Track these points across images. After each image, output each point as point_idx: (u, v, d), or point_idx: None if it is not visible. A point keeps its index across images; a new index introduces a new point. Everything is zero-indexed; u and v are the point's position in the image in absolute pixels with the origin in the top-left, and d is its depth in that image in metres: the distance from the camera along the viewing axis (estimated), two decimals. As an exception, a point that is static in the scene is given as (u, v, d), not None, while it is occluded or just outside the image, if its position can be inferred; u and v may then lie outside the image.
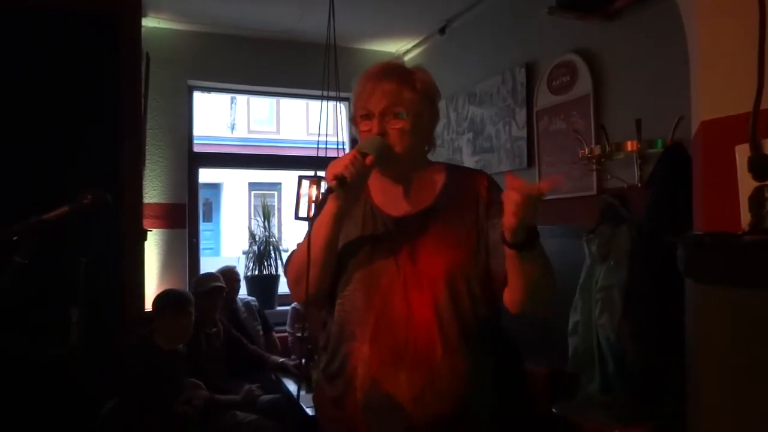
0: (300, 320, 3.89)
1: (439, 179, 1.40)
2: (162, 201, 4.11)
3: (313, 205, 3.27)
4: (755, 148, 0.80)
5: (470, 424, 1.29)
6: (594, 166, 2.75)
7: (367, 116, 1.32)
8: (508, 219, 1.12)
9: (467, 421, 1.28)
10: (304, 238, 1.32)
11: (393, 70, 1.36)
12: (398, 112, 1.30)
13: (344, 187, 1.21)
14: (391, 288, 1.28)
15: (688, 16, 0.98)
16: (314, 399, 1.51)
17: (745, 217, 0.81)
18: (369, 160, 1.25)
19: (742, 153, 0.82)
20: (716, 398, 0.86)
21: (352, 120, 1.40)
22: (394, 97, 1.30)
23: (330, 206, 1.25)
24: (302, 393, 3.05)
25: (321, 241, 1.27)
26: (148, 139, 3.93)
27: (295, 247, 1.42)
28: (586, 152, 2.69)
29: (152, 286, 3.84)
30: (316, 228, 1.29)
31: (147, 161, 3.94)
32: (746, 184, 0.82)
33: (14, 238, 1.20)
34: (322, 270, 1.29)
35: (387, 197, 1.37)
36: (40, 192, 2.44)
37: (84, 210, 1.29)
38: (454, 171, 1.44)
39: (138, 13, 3.11)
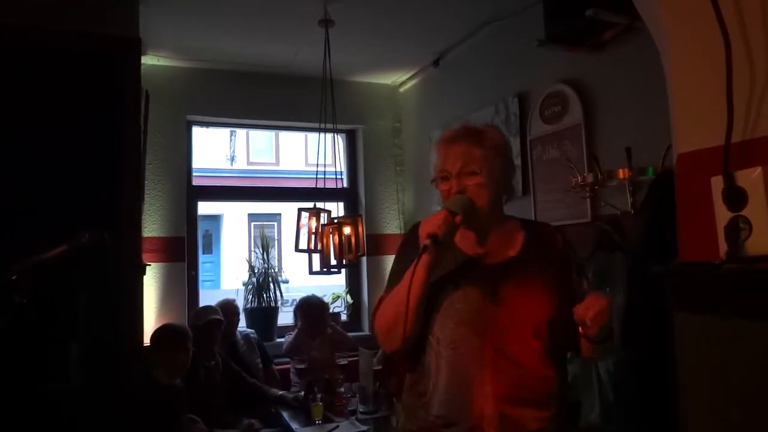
0: (296, 352, 3.87)
1: (519, 231, 1.55)
2: (161, 235, 4.13)
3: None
4: (728, 180, 0.83)
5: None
6: (587, 194, 2.79)
7: (446, 177, 1.47)
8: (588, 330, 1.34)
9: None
10: (391, 291, 1.46)
11: (464, 133, 1.51)
12: (472, 171, 1.44)
13: (437, 244, 1.33)
14: (500, 330, 1.40)
15: (663, 54, 1.03)
16: None
17: (722, 247, 0.83)
18: (458, 219, 1.38)
19: (716, 185, 0.85)
20: (700, 425, 0.88)
21: (434, 181, 1.54)
22: (466, 157, 1.45)
23: (423, 260, 1.35)
24: (300, 427, 3.03)
25: (417, 292, 1.36)
26: (147, 173, 3.97)
27: (377, 302, 1.54)
28: (579, 180, 2.72)
29: (151, 320, 3.83)
30: (407, 285, 1.34)
31: (146, 195, 3.97)
32: (722, 214, 0.84)
33: (13, 278, 1.22)
34: (416, 318, 1.39)
35: (473, 245, 1.49)
36: (41, 229, 2.47)
37: (82, 249, 1.32)
38: (530, 225, 1.60)
39: (138, 53, 3.16)
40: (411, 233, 1.58)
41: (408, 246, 1.55)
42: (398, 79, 4.82)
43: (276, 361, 4.12)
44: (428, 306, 1.42)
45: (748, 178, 0.81)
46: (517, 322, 1.40)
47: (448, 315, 1.42)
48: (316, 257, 3.33)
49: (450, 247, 1.44)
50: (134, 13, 3.15)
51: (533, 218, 3.24)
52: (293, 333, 4.03)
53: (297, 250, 3.39)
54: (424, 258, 1.33)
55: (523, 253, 1.49)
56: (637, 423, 2.35)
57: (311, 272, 3.35)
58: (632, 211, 2.56)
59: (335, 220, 3.36)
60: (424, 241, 1.33)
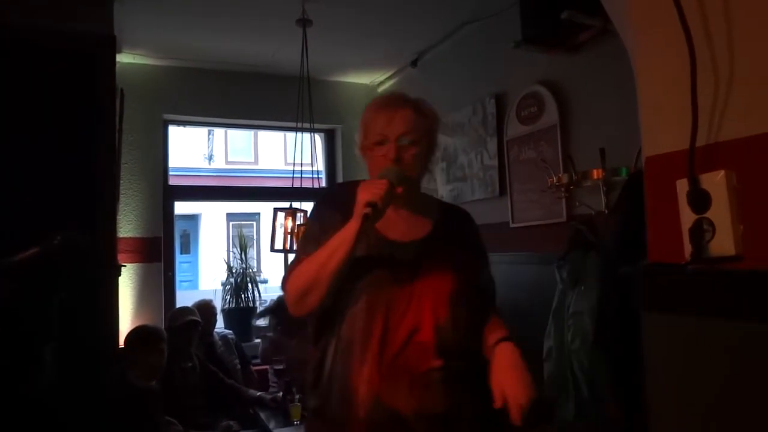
0: (276, 353, 3.86)
1: (434, 210, 1.50)
2: (137, 235, 4.08)
3: (288, 235, 3.29)
4: (693, 182, 0.85)
5: (461, 428, 1.38)
6: (563, 194, 2.82)
7: (382, 142, 1.39)
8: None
9: (459, 425, 1.37)
10: (309, 252, 1.37)
11: (406, 99, 1.44)
12: (413, 139, 1.38)
13: (375, 213, 1.27)
14: (395, 308, 1.35)
15: (631, 57, 1.05)
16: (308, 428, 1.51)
17: (687, 248, 0.85)
18: (399, 190, 1.32)
19: (681, 187, 0.87)
20: (662, 422, 0.90)
21: (361, 147, 1.46)
22: (411, 124, 1.38)
23: (354, 228, 1.29)
24: (278, 428, 3.03)
25: (338, 261, 1.30)
26: (123, 173, 3.92)
27: (293, 262, 1.45)
28: (554, 180, 2.76)
29: (127, 321, 3.79)
30: (335, 248, 1.31)
31: (122, 195, 3.93)
32: (687, 216, 0.86)
33: (-17, 281, 1.20)
34: (332, 287, 1.33)
35: (387, 222, 1.41)
36: (14, 230, 2.43)
37: (54, 251, 1.30)
38: (444, 205, 1.57)
39: (112, 50, 3.13)
40: (331, 195, 1.50)
41: (328, 207, 1.47)
42: (376, 79, 4.82)
43: (254, 361, 4.11)
44: (345, 288, 1.37)
45: (712, 181, 0.83)
46: (415, 306, 1.35)
47: (355, 291, 1.36)
48: (291, 257, 3.32)
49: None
50: (109, 11, 3.11)
51: (510, 218, 3.27)
52: (268, 338, 4.00)
53: (272, 249, 3.39)
54: (354, 225, 1.28)
55: (435, 234, 1.44)
56: (611, 419, 2.39)
57: (287, 272, 3.34)
58: (606, 211, 2.60)
59: (312, 221, 3.35)
60: (363, 209, 1.26)
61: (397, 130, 1.37)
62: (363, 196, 1.28)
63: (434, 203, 1.54)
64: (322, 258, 1.32)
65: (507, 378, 1.34)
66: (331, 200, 1.49)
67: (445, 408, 1.34)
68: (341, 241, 1.30)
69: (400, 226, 1.43)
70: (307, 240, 1.45)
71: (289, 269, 1.43)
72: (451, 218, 1.51)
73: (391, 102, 1.42)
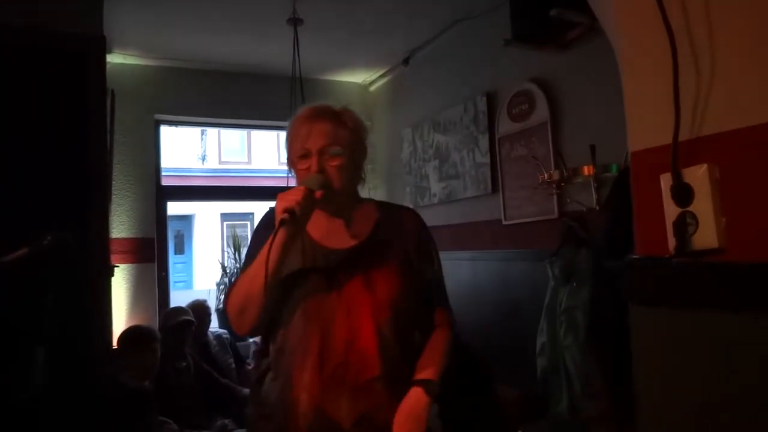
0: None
1: (373, 215, 1.48)
2: (130, 236, 4.07)
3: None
4: (676, 176, 0.86)
5: None
6: (554, 191, 2.84)
7: (305, 155, 1.38)
8: None
9: None
10: (245, 270, 1.37)
11: (326, 111, 1.42)
12: (335, 151, 1.37)
13: (294, 221, 1.26)
14: (332, 317, 1.34)
15: (617, 54, 1.06)
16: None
17: (671, 242, 0.86)
18: (319, 194, 1.31)
19: (665, 181, 0.88)
20: (651, 414, 0.91)
21: (289, 161, 1.46)
22: (331, 136, 1.37)
23: (278, 238, 1.27)
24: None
25: (265, 274, 1.27)
26: (115, 174, 3.91)
27: (233, 283, 1.45)
28: (546, 177, 2.77)
29: (121, 322, 3.78)
30: (261, 262, 1.28)
31: (114, 196, 3.92)
32: (671, 210, 0.87)
33: (-28, 281, 1.20)
34: (266, 301, 1.31)
35: (323, 231, 1.42)
36: (5, 231, 2.42)
37: (44, 252, 1.30)
38: (386, 207, 1.54)
39: (102, 50, 3.11)
40: (269, 215, 1.46)
41: (265, 226, 1.45)
42: (368, 78, 4.83)
43: (248, 361, 4.11)
44: (280, 294, 1.36)
45: (695, 175, 0.85)
46: (354, 314, 1.34)
47: (292, 301, 1.36)
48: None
49: (302, 232, 1.36)
50: (99, 10, 3.10)
51: (503, 215, 3.28)
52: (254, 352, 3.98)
53: (268, 249, 3.38)
54: (281, 234, 1.25)
55: (373, 239, 1.43)
56: (603, 414, 2.41)
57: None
58: (597, 207, 2.62)
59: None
60: (281, 216, 1.25)
61: (318, 143, 1.36)
62: (280, 204, 1.27)
63: (375, 207, 1.51)
64: (252, 273, 1.31)
65: (397, 423, 1.31)
66: (269, 220, 1.45)
67: (387, 418, 1.32)
68: (265, 254, 1.28)
69: (337, 234, 1.43)
70: (246, 260, 1.45)
71: (228, 289, 1.43)
72: (391, 221, 1.48)
73: (312, 115, 1.41)
